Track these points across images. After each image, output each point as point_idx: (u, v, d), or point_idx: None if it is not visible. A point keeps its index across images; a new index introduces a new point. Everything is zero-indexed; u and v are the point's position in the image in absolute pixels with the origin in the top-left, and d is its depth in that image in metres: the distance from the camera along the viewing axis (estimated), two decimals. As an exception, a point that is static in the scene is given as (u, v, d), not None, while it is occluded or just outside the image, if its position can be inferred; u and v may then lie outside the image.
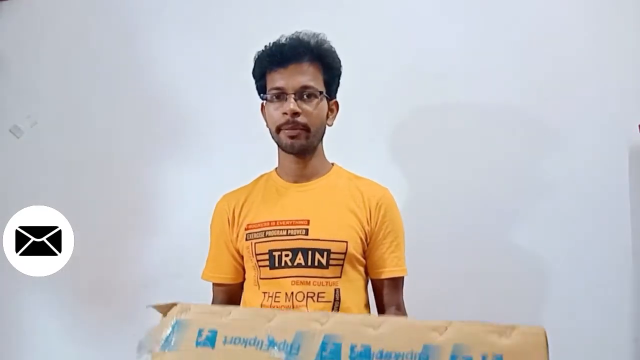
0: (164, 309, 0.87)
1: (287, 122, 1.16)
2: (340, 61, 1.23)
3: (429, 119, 1.64)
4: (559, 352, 1.57)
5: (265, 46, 1.20)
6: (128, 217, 1.76)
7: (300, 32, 1.19)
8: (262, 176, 1.30)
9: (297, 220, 1.17)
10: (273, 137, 1.22)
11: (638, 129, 1.49)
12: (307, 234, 1.15)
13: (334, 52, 1.22)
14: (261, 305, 1.16)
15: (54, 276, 1.77)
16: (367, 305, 1.23)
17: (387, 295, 1.21)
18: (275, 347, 0.76)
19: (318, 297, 1.14)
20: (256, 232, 1.19)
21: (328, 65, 1.20)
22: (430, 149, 1.63)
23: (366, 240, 1.19)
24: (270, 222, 1.18)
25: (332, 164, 1.29)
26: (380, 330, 0.75)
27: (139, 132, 1.78)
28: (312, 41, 1.18)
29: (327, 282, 1.14)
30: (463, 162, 1.60)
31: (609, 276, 1.52)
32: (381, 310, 1.22)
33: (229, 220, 1.24)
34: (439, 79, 1.61)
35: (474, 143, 1.61)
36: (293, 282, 1.14)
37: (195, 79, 1.75)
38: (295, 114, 1.15)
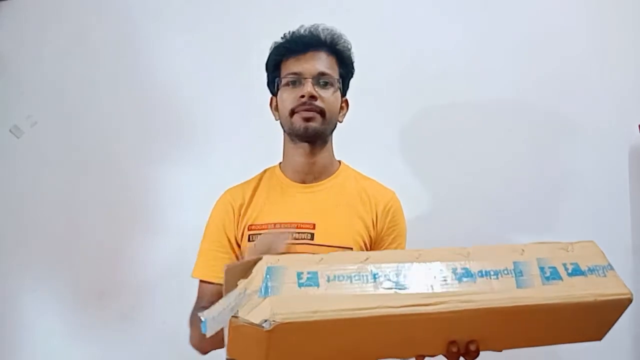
0: (240, 270, 0.79)
1: (302, 104, 1.13)
2: (353, 60, 1.22)
3: (429, 119, 1.64)
4: (559, 351, 1.57)
5: (283, 36, 1.20)
6: (128, 217, 1.76)
7: (320, 25, 1.19)
8: (265, 171, 1.26)
9: (302, 224, 1.13)
10: (284, 125, 1.18)
11: (638, 129, 1.49)
12: (312, 238, 1.12)
13: (350, 49, 1.21)
14: None
15: (54, 276, 1.77)
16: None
17: None
18: (381, 278, 0.76)
19: None
20: (259, 234, 1.14)
21: (344, 61, 1.19)
22: (430, 148, 1.63)
23: (370, 244, 1.16)
24: (274, 224, 1.14)
25: (340, 162, 1.26)
26: (471, 256, 0.82)
27: (139, 132, 1.78)
28: (329, 36, 1.18)
29: None
30: (463, 162, 1.60)
31: (609, 276, 1.52)
32: None
33: (234, 216, 1.19)
34: (439, 79, 1.61)
35: (474, 143, 1.61)
36: None
37: (195, 79, 1.75)
38: (313, 97, 1.12)
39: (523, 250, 0.84)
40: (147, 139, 1.77)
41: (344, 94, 1.23)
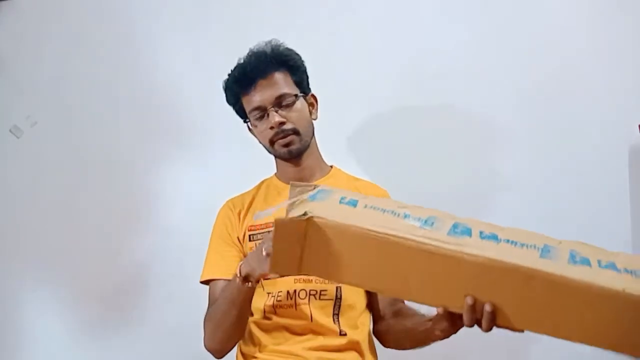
0: (301, 189, 0.93)
1: (276, 134, 1.19)
2: (301, 57, 1.25)
3: (429, 119, 1.64)
4: (559, 352, 1.57)
5: (229, 74, 1.24)
6: (128, 217, 1.76)
7: (254, 48, 1.23)
8: (263, 182, 1.32)
9: None
10: (269, 151, 1.25)
11: (638, 129, 1.49)
12: None
13: (292, 51, 1.24)
14: (264, 305, 1.16)
15: (54, 276, 1.77)
16: (368, 307, 1.23)
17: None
18: (411, 218, 0.82)
19: (320, 295, 1.14)
20: (259, 233, 1.20)
21: (292, 67, 1.23)
22: (429, 149, 1.63)
23: None
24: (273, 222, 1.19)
25: (331, 167, 1.31)
26: (504, 231, 0.82)
27: (139, 132, 1.78)
28: (268, 51, 1.21)
29: (329, 280, 1.14)
30: (462, 162, 1.60)
31: (609, 276, 1.52)
32: (383, 309, 1.21)
33: (236, 218, 1.25)
34: (439, 79, 1.61)
35: (474, 143, 1.61)
36: (295, 280, 1.15)
37: (195, 79, 1.75)
38: (281, 124, 1.18)
39: (560, 242, 0.81)
40: (147, 139, 1.77)
41: (308, 90, 1.26)
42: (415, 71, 1.63)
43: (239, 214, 1.25)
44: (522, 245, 0.78)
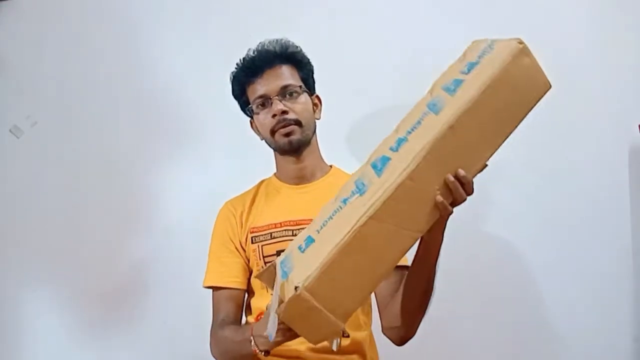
0: (266, 274, 0.96)
1: (278, 123, 1.19)
2: (308, 57, 1.27)
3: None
4: (559, 352, 1.57)
5: (237, 64, 1.25)
6: (128, 217, 1.76)
7: (265, 42, 1.24)
8: (262, 182, 1.32)
9: (301, 221, 1.18)
10: (270, 144, 1.25)
11: (638, 129, 1.49)
12: None
13: (301, 50, 1.26)
14: (267, 306, 1.15)
15: (54, 276, 1.77)
16: (370, 306, 1.22)
17: (394, 283, 1.16)
18: (348, 197, 0.87)
19: None
20: (262, 235, 1.20)
21: (299, 63, 1.24)
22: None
23: None
24: (275, 223, 1.20)
25: (331, 166, 1.31)
26: (398, 130, 0.93)
27: (139, 132, 1.78)
28: (277, 47, 1.23)
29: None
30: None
31: (609, 276, 1.52)
32: (387, 300, 1.18)
33: (237, 223, 1.24)
34: (439, 79, 1.61)
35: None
36: None
37: (195, 79, 1.75)
38: (284, 112, 1.18)
39: (432, 91, 0.91)
40: (147, 139, 1.77)
41: (313, 91, 1.27)
42: (414, 71, 1.62)
43: (241, 215, 1.25)
44: (419, 122, 0.87)
